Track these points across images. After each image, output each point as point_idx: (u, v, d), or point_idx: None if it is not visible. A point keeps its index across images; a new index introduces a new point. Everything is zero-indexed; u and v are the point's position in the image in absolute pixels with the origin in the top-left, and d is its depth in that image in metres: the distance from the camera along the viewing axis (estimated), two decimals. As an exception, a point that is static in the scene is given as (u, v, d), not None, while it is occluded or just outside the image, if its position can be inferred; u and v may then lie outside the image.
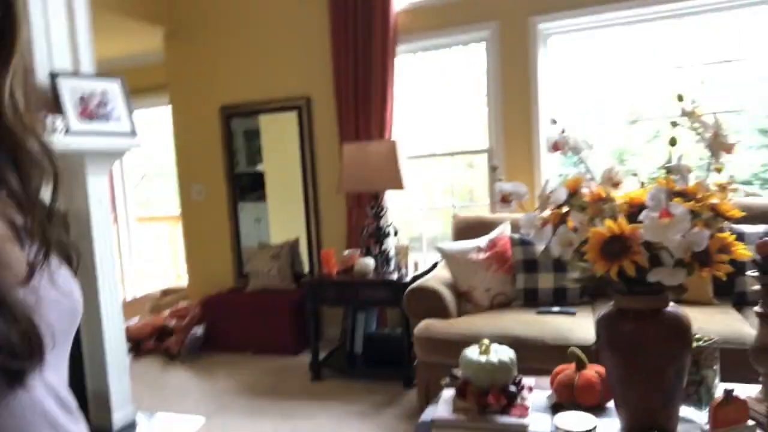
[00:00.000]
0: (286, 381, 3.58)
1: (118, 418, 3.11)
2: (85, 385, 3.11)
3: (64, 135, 2.76)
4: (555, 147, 1.54)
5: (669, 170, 1.32)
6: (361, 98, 3.89)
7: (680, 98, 1.42)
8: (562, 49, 3.68)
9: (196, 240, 4.77)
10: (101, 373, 3.08)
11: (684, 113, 1.45)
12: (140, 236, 5.75)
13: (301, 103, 4.23)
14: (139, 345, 4.43)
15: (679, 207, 1.20)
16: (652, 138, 3.74)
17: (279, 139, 4.41)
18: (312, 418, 3.01)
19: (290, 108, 4.29)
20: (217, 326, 4.26)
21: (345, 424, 2.91)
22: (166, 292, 5.40)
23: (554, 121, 1.57)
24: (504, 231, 3.25)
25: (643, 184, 1.47)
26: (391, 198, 3.91)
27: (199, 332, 4.26)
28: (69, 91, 2.88)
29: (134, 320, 4.71)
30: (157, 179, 6.91)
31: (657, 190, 1.27)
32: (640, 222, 1.25)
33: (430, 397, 2.85)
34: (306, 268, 4.38)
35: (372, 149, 3.58)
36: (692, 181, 1.30)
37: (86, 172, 2.97)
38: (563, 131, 1.52)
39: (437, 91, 4.05)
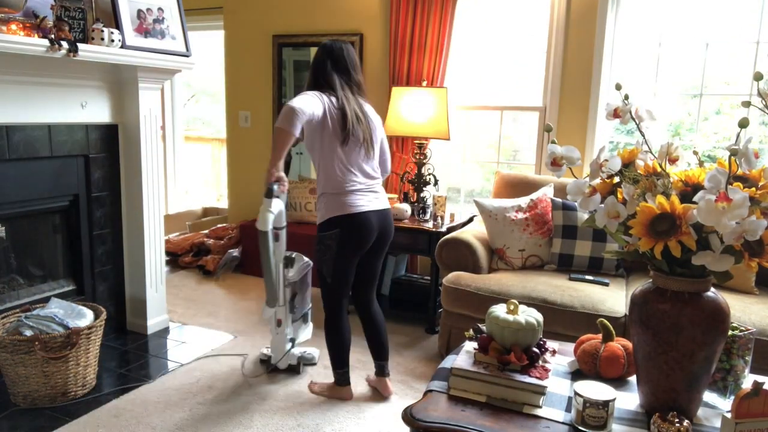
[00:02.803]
0: (314, 311, 3.69)
1: (152, 324, 3.29)
2: (125, 290, 3.28)
3: (119, 48, 2.80)
4: (615, 114, 1.47)
5: (734, 152, 1.26)
6: (416, 41, 3.78)
7: (758, 77, 1.33)
8: (634, 12, 3.47)
9: (239, 165, 4.84)
10: (140, 281, 3.24)
11: (760, 93, 1.36)
12: (186, 155, 5.86)
13: (353, 40, 4.15)
14: (176, 259, 4.62)
15: (738, 192, 1.15)
16: (712, 115, 3.56)
17: (329, 74, 4.35)
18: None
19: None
20: (253, 250, 4.38)
21: (366, 357, 3.00)
22: (206, 212, 5.56)
23: (619, 87, 1.50)
24: (546, 193, 3.20)
25: (702, 163, 1.41)
26: (434, 146, 3.86)
27: (235, 253, 4.40)
28: (127, 4, 2.89)
29: (174, 235, 4.88)
30: (206, 101, 6.97)
31: (717, 171, 1.22)
32: (694, 203, 1.21)
33: (450, 345, 2.92)
34: (342, 206, 4.43)
35: (421, 95, 3.51)
36: (758, 166, 1.24)
37: (138, 86, 3.02)
38: (626, 98, 1.45)
39: (494, 41, 3.89)
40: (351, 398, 2.60)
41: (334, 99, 2.36)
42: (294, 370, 2.80)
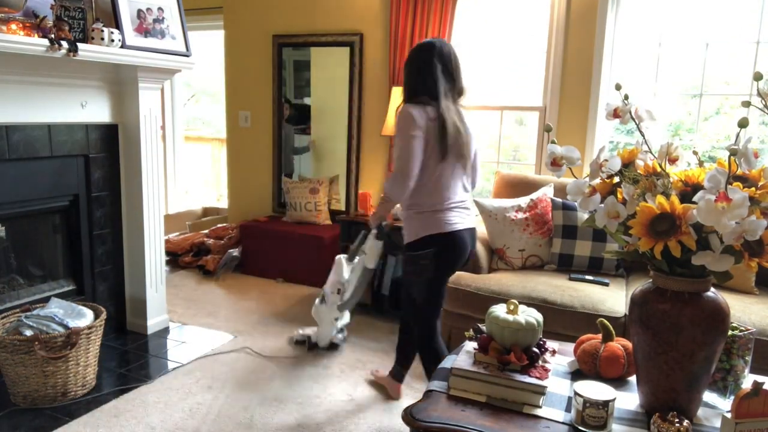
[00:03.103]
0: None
1: (152, 324, 3.29)
2: (125, 290, 3.28)
3: (119, 48, 2.80)
4: (615, 114, 1.47)
5: (734, 152, 1.26)
6: (416, 41, 3.78)
7: (758, 77, 1.33)
8: (634, 12, 3.47)
9: (239, 165, 4.84)
10: (140, 281, 3.24)
11: (760, 93, 1.36)
12: (186, 155, 5.86)
13: (354, 40, 4.15)
14: (176, 259, 4.62)
15: (738, 192, 1.15)
16: (712, 115, 3.56)
17: (328, 74, 4.36)
18: (335, 349, 3.12)
19: (342, 44, 4.21)
20: (253, 250, 4.39)
21: (366, 358, 3.00)
22: (206, 212, 5.56)
23: (618, 87, 1.50)
24: (546, 193, 3.20)
25: (702, 163, 1.41)
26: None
27: (235, 253, 4.40)
28: (127, 4, 2.89)
29: (174, 235, 4.88)
30: (206, 101, 6.97)
31: (717, 171, 1.21)
32: (694, 203, 1.21)
33: (451, 345, 2.91)
34: (342, 206, 4.43)
35: (422, 94, 3.50)
36: (758, 166, 1.24)
37: (138, 86, 3.02)
38: (626, 98, 1.45)
39: (494, 41, 3.89)
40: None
41: (431, 110, 2.16)
42: (334, 348, 3.15)
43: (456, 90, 2.25)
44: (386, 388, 2.66)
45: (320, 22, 4.29)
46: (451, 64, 2.23)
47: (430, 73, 2.19)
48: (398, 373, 2.63)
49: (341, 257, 2.99)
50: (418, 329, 2.39)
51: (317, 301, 3.06)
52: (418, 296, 2.31)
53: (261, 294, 4.00)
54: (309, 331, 3.19)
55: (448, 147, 2.15)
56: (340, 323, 3.13)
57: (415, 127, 2.12)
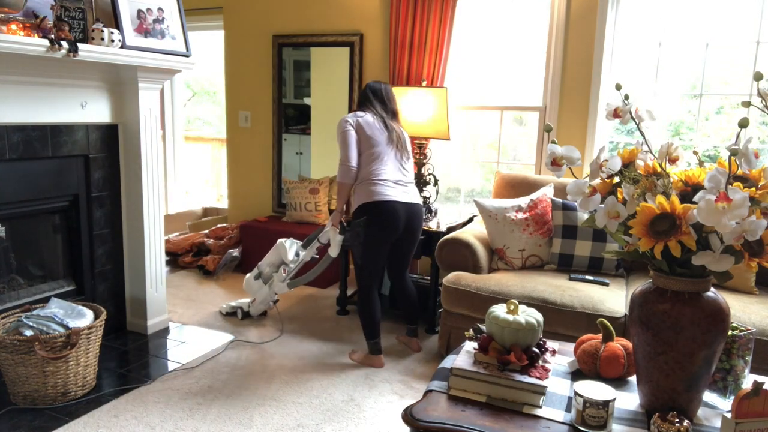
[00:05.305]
0: (314, 311, 3.70)
1: (152, 324, 3.29)
2: (125, 290, 3.28)
3: (119, 48, 2.79)
4: (615, 114, 1.47)
5: (734, 152, 1.26)
6: (416, 41, 3.78)
7: (758, 77, 1.33)
8: (634, 12, 3.47)
9: (239, 165, 4.84)
10: (140, 281, 3.24)
11: (760, 93, 1.37)
12: (186, 155, 5.86)
13: (353, 40, 4.15)
14: (176, 259, 4.61)
15: (738, 192, 1.15)
16: (713, 114, 3.56)
17: (328, 74, 4.36)
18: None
19: (342, 44, 4.21)
20: (253, 251, 4.38)
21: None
22: (206, 212, 5.56)
23: (619, 87, 1.50)
24: (546, 193, 3.20)
25: (702, 163, 1.41)
26: (434, 146, 3.85)
27: (235, 253, 4.39)
28: (127, 4, 2.89)
29: (174, 235, 4.88)
30: (206, 101, 6.97)
31: (717, 171, 1.22)
32: (694, 203, 1.21)
33: (451, 345, 2.92)
34: (342, 206, 4.43)
35: (421, 95, 3.51)
36: (758, 166, 1.24)
37: (138, 86, 3.02)
38: (626, 98, 1.45)
39: (494, 41, 3.89)
40: (382, 366, 2.94)
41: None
42: (264, 315, 3.61)
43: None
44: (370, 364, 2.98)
45: (320, 22, 4.29)
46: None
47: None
48: (411, 331, 3.21)
49: (283, 240, 3.34)
50: (358, 289, 2.98)
51: (252, 275, 3.43)
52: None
53: (261, 294, 3.99)
54: (240, 302, 3.57)
55: None
56: (277, 296, 3.53)
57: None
